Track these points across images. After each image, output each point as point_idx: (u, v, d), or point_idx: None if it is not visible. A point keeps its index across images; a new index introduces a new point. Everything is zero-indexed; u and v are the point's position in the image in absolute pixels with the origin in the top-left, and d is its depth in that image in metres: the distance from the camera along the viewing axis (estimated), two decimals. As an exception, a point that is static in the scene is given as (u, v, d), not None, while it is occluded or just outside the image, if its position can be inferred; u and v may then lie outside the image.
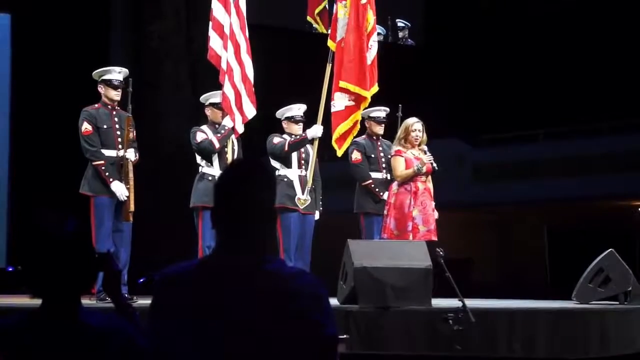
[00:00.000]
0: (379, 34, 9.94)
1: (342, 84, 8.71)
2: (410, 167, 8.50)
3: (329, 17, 8.98)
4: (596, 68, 16.83)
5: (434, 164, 8.51)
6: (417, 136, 8.63)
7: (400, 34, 16.50)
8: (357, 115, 8.86)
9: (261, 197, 2.66)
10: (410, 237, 8.32)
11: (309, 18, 13.84)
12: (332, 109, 8.81)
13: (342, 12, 8.86)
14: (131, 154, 7.93)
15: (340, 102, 8.78)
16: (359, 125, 8.94)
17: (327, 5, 13.88)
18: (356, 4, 8.76)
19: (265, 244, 2.69)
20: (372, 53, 8.87)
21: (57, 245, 2.84)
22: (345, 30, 8.79)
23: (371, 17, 8.90)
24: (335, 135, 8.80)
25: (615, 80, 16.47)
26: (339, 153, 8.96)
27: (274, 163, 8.67)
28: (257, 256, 2.63)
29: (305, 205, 8.73)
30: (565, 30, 17.36)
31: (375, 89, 8.82)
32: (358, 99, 8.79)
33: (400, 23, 16.42)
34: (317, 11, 13.91)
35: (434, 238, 8.39)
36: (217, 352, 2.57)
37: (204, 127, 8.51)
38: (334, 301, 7.44)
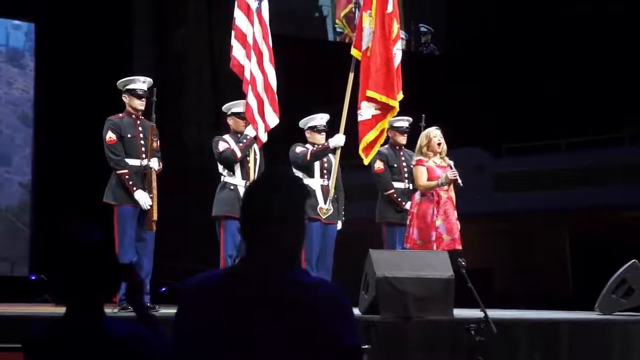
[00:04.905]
0: (402, 39, 9.97)
1: (370, 93, 8.69)
2: (433, 177, 8.47)
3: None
4: (618, 77, 16.76)
5: (459, 181, 8.45)
6: (439, 141, 8.59)
7: (423, 39, 16.55)
8: (384, 124, 8.85)
9: (290, 208, 2.67)
10: (434, 247, 8.28)
11: (337, 21, 13.96)
12: (359, 118, 8.80)
13: (367, 21, 8.86)
14: (155, 163, 7.95)
15: (367, 111, 8.77)
16: (385, 134, 8.94)
17: (353, 9, 13.94)
18: (382, 14, 8.76)
19: (291, 254, 2.70)
20: (396, 61, 8.87)
21: (82, 254, 2.86)
22: (370, 40, 8.79)
23: (395, 25, 8.92)
24: (362, 145, 8.78)
25: (637, 90, 16.40)
26: (366, 162, 8.95)
27: (297, 172, 8.64)
28: (283, 267, 2.64)
29: (327, 215, 8.73)
30: (590, 39, 17.30)
31: (400, 96, 8.82)
32: (384, 107, 8.78)
33: (422, 28, 16.46)
34: (342, 14, 14.00)
35: (459, 247, 8.35)
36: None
37: (226, 137, 8.52)
38: (355, 311, 7.42)
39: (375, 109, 8.77)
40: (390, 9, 8.84)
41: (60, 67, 12.27)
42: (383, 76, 8.72)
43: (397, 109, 8.78)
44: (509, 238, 18.09)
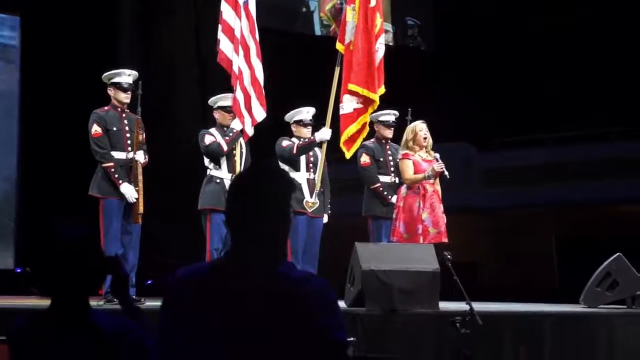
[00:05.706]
0: (387, 31, 9.98)
1: (351, 86, 8.73)
2: (419, 171, 8.50)
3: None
4: (606, 73, 16.80)
5: (446, 173, 8.47)
6: (424, 135, 8.63)
7: (410, 32, 16.56)
8: (366, 118, 8.88)
9: (276, 200, 2.68)
10: (421, 240, 8.30)
11: (322, 14, 13.93)
12: (341, 111, 8.83)
13: (350, 15, 8.89)
14: (140, 156, 7.95)
15: (348, 104, 8.81)
16: (367, 128, 8.95)
17: (339, 2, 13.95)
18: (365, 7, 8.79)
19: (278, 247, 2.71)
20: (379, 55, 8.89)
21: (67, 248, 2.86)
22: (353, 33, 8.82)
23: (379, 19, 8.93)
24: (343, 138, 8.82)
25: (624, 86, 16.44)
26: (347, 155, 8.96)
27: (283, 166, 8.65)
28: (269, 259, 2.65)
29: (313, 209, 8.74)
30: (578, 35, 17.33)
31: (382, 90, 8.84)
32: (366, 101, 8.81)
33: (409, 21, 16.48)
34: (327, 7, 13.99)
35: (445, 240, 8.38)
36: (227, 353, 2.59)
37: (213, 130, 8.52)
38: (341, 304, 7.43)
39: (357, 103, 8.80)
40: (373, 3, 8.86)
41: (45, 61, 12.21)
42: (365, 70, 8.76)
43: (378, 102, 8.80)
44: (495, 232, 18.12)
